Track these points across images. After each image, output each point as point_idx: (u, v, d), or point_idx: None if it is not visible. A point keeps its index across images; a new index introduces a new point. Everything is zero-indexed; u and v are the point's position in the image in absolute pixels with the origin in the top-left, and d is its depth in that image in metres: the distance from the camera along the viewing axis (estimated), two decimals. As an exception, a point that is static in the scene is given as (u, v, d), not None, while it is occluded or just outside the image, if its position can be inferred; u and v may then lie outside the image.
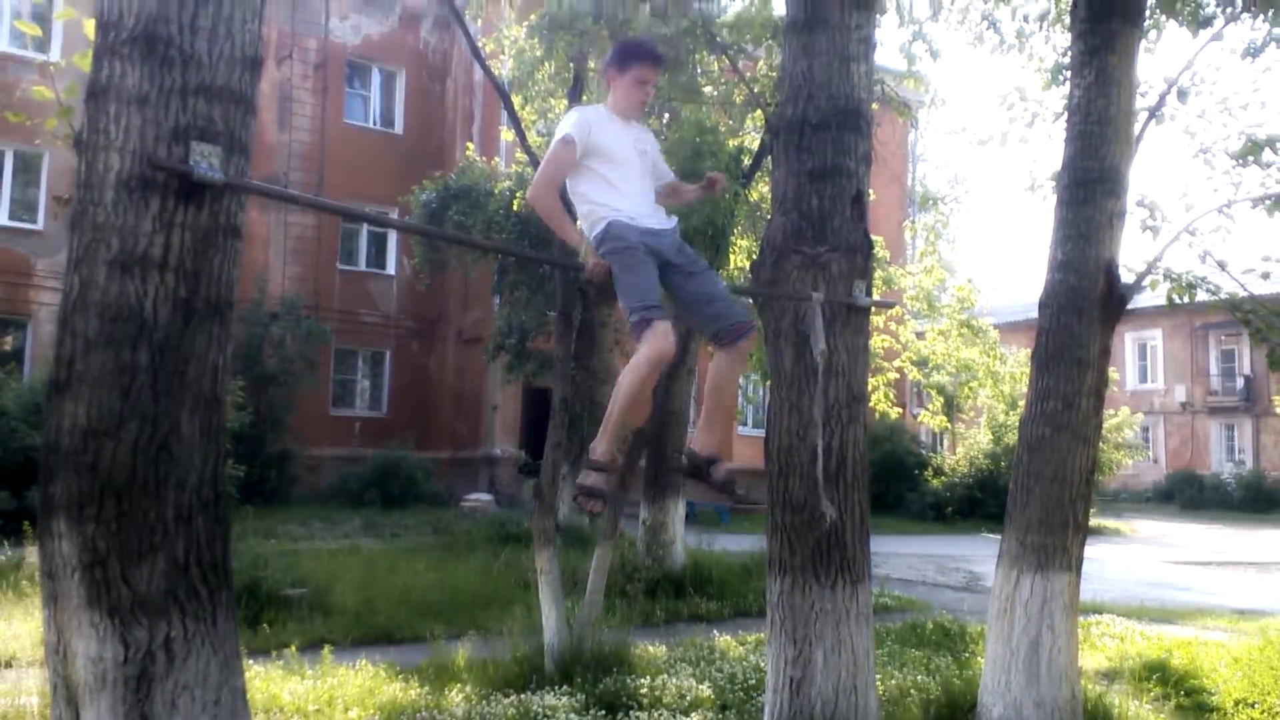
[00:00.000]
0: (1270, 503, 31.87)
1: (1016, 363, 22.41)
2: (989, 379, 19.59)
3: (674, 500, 11.83)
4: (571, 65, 9.90)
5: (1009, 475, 6.09)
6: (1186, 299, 6.46)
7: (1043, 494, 5.58)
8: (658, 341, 3.71)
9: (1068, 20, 6.87)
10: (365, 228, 24.34)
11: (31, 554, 8.26)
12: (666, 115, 10.68)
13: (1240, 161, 6.94)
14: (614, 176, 4.00)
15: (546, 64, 10.12)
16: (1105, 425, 14.99)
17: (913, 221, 14.38)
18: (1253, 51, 7.18)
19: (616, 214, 3.92)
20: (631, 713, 5.82)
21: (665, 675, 6.63)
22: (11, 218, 19.98)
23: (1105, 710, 5.91)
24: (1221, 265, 6.37)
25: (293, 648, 6.67)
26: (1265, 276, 6.55)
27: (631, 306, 3.79)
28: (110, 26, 2.73)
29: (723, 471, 4.19)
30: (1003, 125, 8.42)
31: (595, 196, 4.00)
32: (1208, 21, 7.02)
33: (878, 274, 12.99)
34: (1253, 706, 6.52)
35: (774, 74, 9.24)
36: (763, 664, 5.69)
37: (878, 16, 4.87)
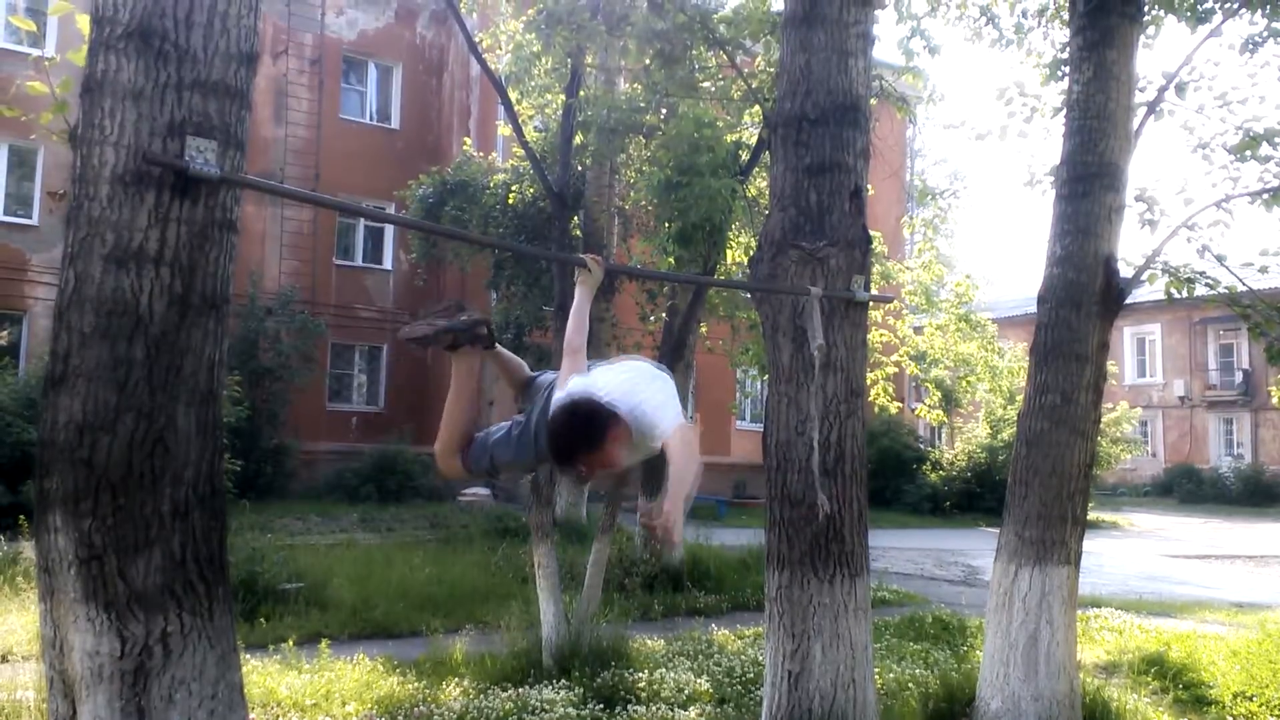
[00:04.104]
0: (1268, 496, 31.89)
1: (1014, 357, 22.43)
2: (987, 373, 19.57)
3: (672, 495, 11.80)
4: (569, 60, 9.89)
5: (1007, 469, 6.09)
6: (1185, 293, 6.46)
7: (1041, 488, 5.58)
8: None
9: (1066, 15, 6.86)
10: (362, 223, 24.26)
11: (27, 548, 8.25)
12: (664, 110, 10.67)
13: (1238, 156, 6.94)
14: None
15: (543, 59, 10.11)
16: (1104, 419, 14.97)
17: (911, 216, 14.36)
18: (1251, 46, 7.18)
19: None
20: (629, 706, 5.81)
21: (663, 669, 6.64)
22: (6, 213, 19.91)
23: (1104, 703, 5.92)
24: (1220, 259, 6.37)
25: (290, 642, 6.67)
26: (1264, 271, 6.55)
27: None
28: (105, 21, 2.72)
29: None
30: (1001, 120, 8.45)
31: None
32: (1206, 16, 7.02)
33: (876, 269, 12.99)
34: (1251, 699, 6.53)
35: (772, 69, 9.22)
36: (761, 658, 5.70)
37: (876, 12, 4.86)
